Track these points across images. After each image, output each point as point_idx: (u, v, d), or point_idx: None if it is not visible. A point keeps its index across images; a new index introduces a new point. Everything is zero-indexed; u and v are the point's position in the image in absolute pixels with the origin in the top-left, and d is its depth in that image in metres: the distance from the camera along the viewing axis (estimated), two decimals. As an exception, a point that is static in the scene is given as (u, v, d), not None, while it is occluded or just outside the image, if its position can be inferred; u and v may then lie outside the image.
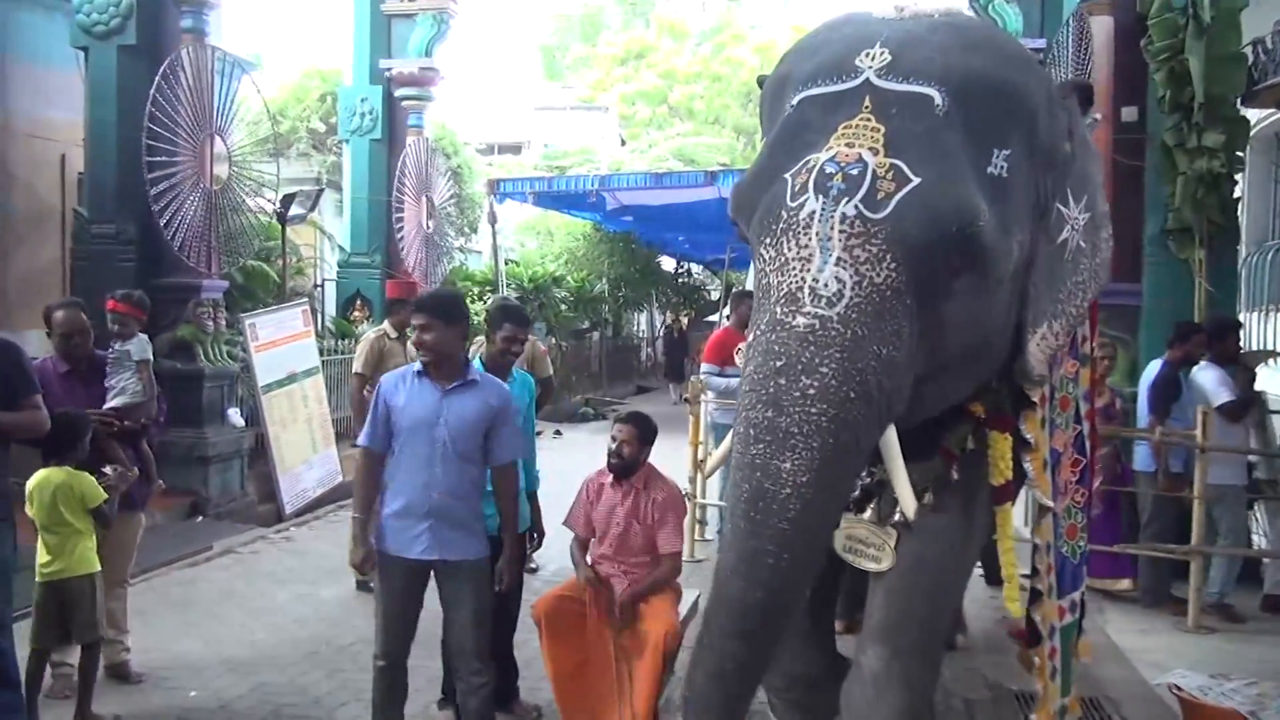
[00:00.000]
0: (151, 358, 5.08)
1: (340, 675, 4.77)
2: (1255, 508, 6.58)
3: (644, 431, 4.30)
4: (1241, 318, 7.58)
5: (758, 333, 2.56)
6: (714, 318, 18.95)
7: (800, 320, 2.47)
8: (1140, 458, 6.18)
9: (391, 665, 3.81)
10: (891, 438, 2.69)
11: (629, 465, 4.24)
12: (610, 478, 4.30)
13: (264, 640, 5.37)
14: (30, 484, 4.13)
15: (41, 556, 4.13)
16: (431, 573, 3.76)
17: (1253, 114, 7.13)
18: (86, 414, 4.36)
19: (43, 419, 3.94)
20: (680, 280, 23.52)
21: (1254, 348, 7.97)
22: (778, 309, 2.52)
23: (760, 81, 3.19)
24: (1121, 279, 7.05)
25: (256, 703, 4.52)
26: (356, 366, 6.41)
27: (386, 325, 6.60)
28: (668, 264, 23.00)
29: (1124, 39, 7.17)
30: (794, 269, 2.53)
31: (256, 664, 5.00)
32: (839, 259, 2.48)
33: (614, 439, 4.30)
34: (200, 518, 7.82)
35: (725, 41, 33.13)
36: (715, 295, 21.54)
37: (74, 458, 4.19)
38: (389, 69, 11.96)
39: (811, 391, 2.42)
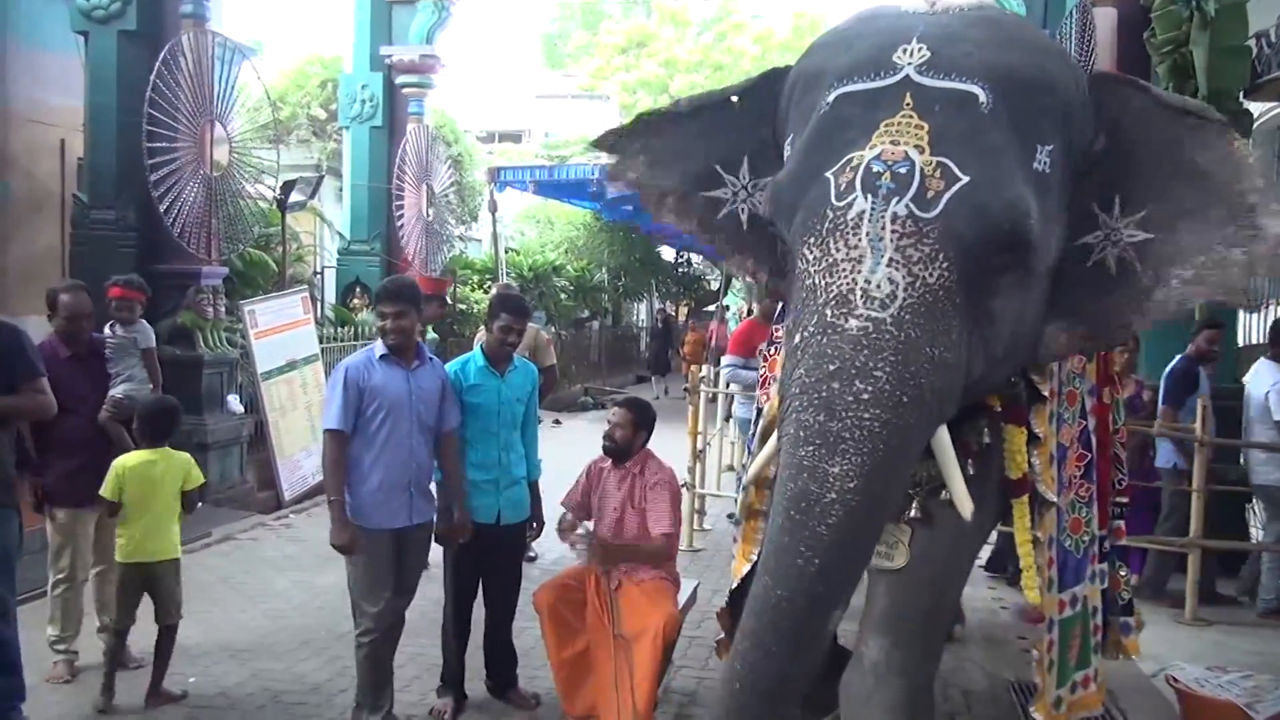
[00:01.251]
0: (155, 344, 5.10)
1: (338, 662, 4.77)
2: (1253, 502, 6.59)
3: (638, 416, 4.35)
4: (1240, 314, 7.57)
5: (805, 335, 2.50)
6: (712, 308, 18.95)
7: (853, 323, 2.42)
8: (1161, 453, 6.18)
9: (383, 638, 3.97)
10: (944, 436, 2.66)
11: (621, 449, 4.30)
12: (609, 462, 4.33)
13: (262, 627, 5.37)
14: (124, 464, 4.24)
15: (122, 538, 4.26)
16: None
17: (1255, 107, 7.11)
18: (175, 401, 4.61)
19: (47, 402, 3.95)
20: (680, 270, 23.50)
21: (1250, 343, 7.96)
22: (828, 311, 2.46)
23: (774, 72, 3.14)
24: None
25: (255, 690, 4.52)
26: None
27: None
28: (668, 254, 22.96)
29: (1127, 31, 7.14)
30: (844, 270, 2.47)
31: (255, 651, 5.00)
32: (891, 260, 2.43)
33: (609, 422, 4.35)
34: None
35: (726, 30, 33.05)
36: (715, 285, 21.52)
37: (169, 441, 4.38)
38: (390, 56, 11.93)
39: (865, 396, 2.37)
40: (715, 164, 3.17)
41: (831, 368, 2.41)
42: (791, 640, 2.39)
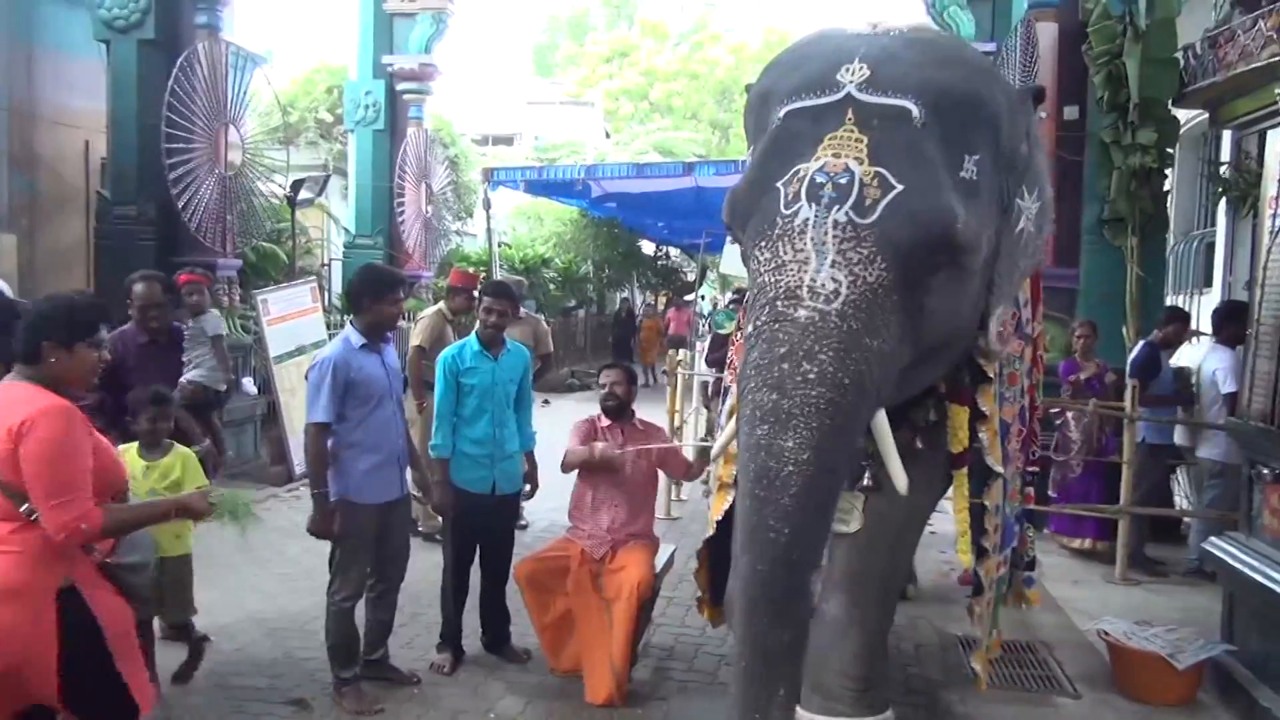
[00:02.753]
0: (225, 332, 4.93)
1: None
2: (1177, 472, 6.66)
3: (630, 374, 4.48)
4: (1167, 300, 7.63)
5: (758, 324, 2.54)
6: (690, 298, 18.92)
7: (801, 313, 2.46)
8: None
9: (356, 603, 3.98)
10: (882, 419, 2.69)
11: (624, 404, 4.33)
12: (606, 423, 4.33)
13: (276, 590, 5.36)
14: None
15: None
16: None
17: (1183, 114, 7.14)
18: (162, 390, 4.04)
19: None
20: (659, 263, 23.44)
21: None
22: (779, 303, 2.51)
23: (749, 89, 3.16)
24: (1061, 264, 7.10)
25: (270, 646, 4.52)
26: (416, 340, 6.22)
27: (444, 307, 6.41)
28: (648, 248, 22.90)
29: (1067, 44, 7.19)
30: (791, 270, 2.51)
31: (269, 611, 4.99)
32: (834, 261, 2.47)
33: (604, 385, 4.36)
34: (218, 477, 7.77)
35: (702, 42, 33.01)
36: (691, 277, 21.48)
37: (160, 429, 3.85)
38: (391, 64, 11.83)
39: (812, 376, 2.41)
40: None
41: (781, 350, 2.45)
42: (783, 605, 2.41)
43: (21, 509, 2.41)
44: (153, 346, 4.48)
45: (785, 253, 2.53)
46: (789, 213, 2.55)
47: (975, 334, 2.94)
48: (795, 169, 2.59)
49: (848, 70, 2.65)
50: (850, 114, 2.60)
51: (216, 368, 4.77)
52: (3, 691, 2.42)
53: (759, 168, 2.73)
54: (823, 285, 2.47)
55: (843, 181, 2.52)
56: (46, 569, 2.43)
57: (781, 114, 2.73)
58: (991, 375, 3.10)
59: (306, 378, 3.92)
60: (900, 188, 2.50)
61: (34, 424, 2.38)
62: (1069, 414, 6.22)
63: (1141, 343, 6.29)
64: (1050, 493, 6.28)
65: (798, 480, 2.37)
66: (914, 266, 2.53)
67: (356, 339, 3.88)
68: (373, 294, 3.88)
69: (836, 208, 2.50)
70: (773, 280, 2.54)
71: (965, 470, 3.23)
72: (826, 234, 2.49)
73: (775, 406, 2.42)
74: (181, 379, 4.54)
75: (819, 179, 2.54)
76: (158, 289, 4.46)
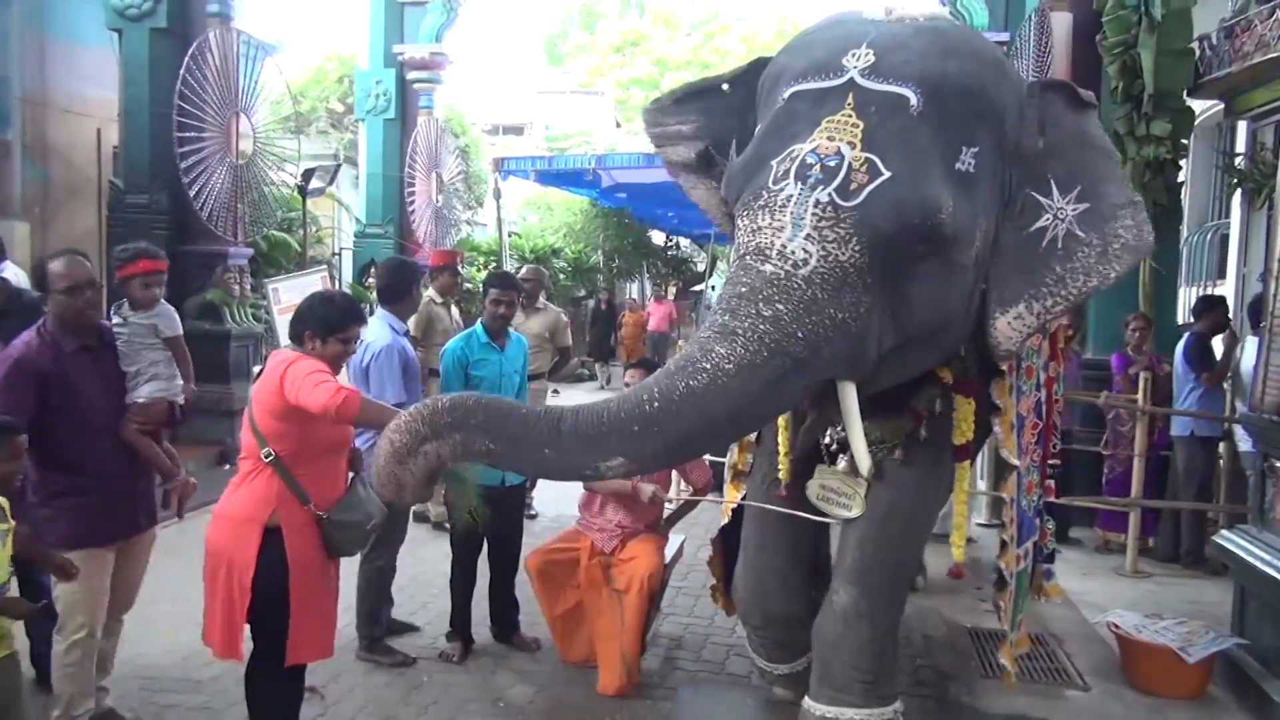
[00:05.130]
0: (181, 330, 3.64)
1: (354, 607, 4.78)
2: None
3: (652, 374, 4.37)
4: (1181, 292, 7.59)
5: (730, 275, 2.63)
6: (699, 287, 18.88)
7: (768, 267, 2.52)
8: (1178, 423, 6.12)
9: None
10: (852, 404, 2.69)
11: None
12: None
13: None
14: None
15: None
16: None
17: (1197, 105, 7.08)
18: (7, 420, 2.87)
19: None
20: (669, 253, 23.40)
21: (1192, 320, 7.96)
22: (748, 257, 2.57)
23: (760, 61, 3.16)
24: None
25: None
26: (410, 330, 6.26)
27: (432, 291, 6.35)
28: (658, 238, 22.86)
29: (1081, 34, 7.12)
30: (765, 234, 2.56)
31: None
32: (808, 235, 2.51)
33: (627, 385, 4.31)
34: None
35: (714, 31, 32.86)
36: (701, 268, 21.44)
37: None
38: (402, 53, 11.81)
39: (766, 313, 2.47)
40: (711, 145, 3.22)
41: (743, 290, 2.52)
42: (573, 448, 2.39)
43: (262, 451, 2.90)
44: (85, 353, 3.29)
45: (763, 220, 2.58)
46: (775, 189, 2.59)
47: (971, 328, 2.90)
48: (790, 149, 2.63)
49: (854, 55, 2.67)
50: (850, 99, 2.62)
51: (175, 375, 3.52)
52: (219, 599, 2.99)
53: (758, 146, 2.76)
54: (793, 252, 2.51)
55: (831, 164, 2.55)
56: (260, 507, 2.92)
57: (786, 95, 2.76)
58: (1005, 368, 3.08)
59: (364, 367, 4.08)
60: (888, 175, 2.52)
61: (288, 366, 2.91)
62: (1121, 410, 6.18)
63: (1189, 334, 6.24)
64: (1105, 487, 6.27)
65: (704, 379, 2.39)
66: (894, 253, 2.55)
67: (400, 325, 4.15)
68: (409, 284, 4.25)
69: (820, 188, 2.53)
70: (748, 241, 2.60)
71: (968, 464, 3.23)
72: (806, 211, 2.52)
73: (724, 325, 2.48)
74: (132, 396, 3.40)
75: (809, 160, 2.58)
76: (84, 263, 3.25)
